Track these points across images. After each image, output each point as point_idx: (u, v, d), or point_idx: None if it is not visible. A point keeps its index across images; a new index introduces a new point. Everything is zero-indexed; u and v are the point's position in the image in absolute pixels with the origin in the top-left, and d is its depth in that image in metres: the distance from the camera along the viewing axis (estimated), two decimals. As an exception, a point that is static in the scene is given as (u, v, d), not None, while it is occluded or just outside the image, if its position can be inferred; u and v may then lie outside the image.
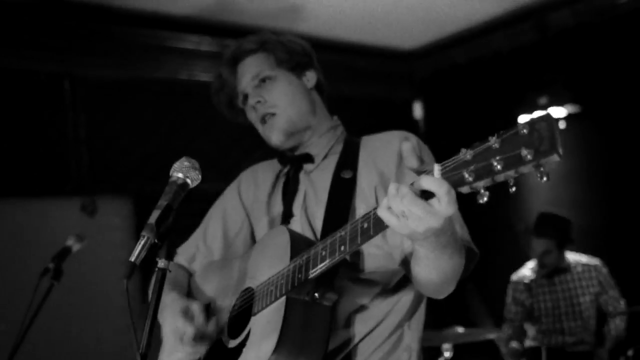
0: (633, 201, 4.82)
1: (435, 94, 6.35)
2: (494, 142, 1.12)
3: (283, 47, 1.99)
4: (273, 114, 1.92)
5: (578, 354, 4.31)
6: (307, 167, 1.94)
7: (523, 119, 5.01)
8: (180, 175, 1.46)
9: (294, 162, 1.97)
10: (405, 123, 6.25)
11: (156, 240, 1.37)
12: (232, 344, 1.71)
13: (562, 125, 5.04)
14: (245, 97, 1.99)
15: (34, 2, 4.32)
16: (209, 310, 1.86)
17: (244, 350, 1.63)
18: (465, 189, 1.17)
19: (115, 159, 4.76)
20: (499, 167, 1.11)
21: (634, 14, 4.72)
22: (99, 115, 4.72)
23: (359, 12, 5.00)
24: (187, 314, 1.71)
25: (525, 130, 1.10)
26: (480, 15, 5.35)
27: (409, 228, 1.24)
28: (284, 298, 1.55)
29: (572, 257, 4.43)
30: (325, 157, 1.93)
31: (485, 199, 1.15)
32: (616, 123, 4.97)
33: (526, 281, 4.48)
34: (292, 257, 1.60)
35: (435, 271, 1.48)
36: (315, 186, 1.86)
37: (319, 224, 1.77)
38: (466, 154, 1.17)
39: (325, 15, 4.94)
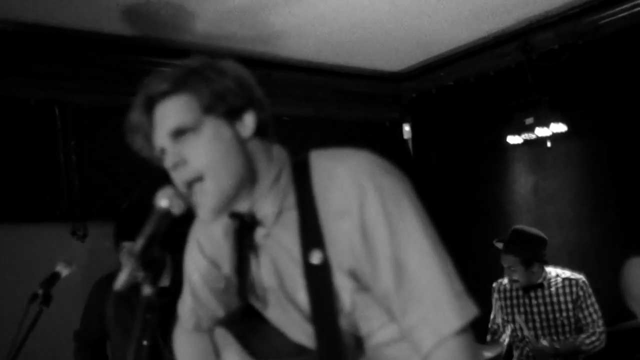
0: (620, 218, 4.86)
1: (423, 114, 6.41)
2: None
3: (210, 86, 1.49)
4: (199, 179, 1.49)
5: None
6: (260, 230, 1.59)
7: (511, 139, 5.10)
8: (163, 204, 1.47)
9: (242, 226, 1.62)
10: (395, 144, 6.31)
11: (141, 269, 1.38)
12: None
13: (549, 144, 5.10)
14: (162, 151, 1.54)
15: (21, 30, 4.36)
16: None
17: None
18: None
19: (105, 184, 4.78)
20: None
21: (615, 35, 4.80)
22: (89, 141, 4.75)
23: (346, 36, 5.06)
24: None
25: None
26: (466, 37, 5.43)
27: None
28: None
29: (554, 271, 4.39)
30: (279, 214, 1.56)
31: None
32: (602, 141, 5.03)
33: (501, 288, 4.52)
34: None
35: None
36: (278, 253, 1.58)
37: (302, 303, 1.57)
38: None
39: (312, 39, 5.00)
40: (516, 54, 5.33)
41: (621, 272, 3.48)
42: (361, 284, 1.50)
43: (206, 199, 1.50)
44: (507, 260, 4.35)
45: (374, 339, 1.58)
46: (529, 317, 4.34)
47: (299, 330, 1.66)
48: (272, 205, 1.56)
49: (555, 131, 5.02)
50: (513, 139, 5.22)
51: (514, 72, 5.41)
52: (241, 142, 1.52)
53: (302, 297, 1.55)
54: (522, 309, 4.38)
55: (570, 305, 4.28)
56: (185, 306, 1.89)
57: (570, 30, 5.01)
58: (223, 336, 1.84)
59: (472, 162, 5.87)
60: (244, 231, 1.61)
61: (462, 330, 1.41)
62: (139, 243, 1.40)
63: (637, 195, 4.73)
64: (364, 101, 6.25)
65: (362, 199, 1.45)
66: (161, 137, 1.52)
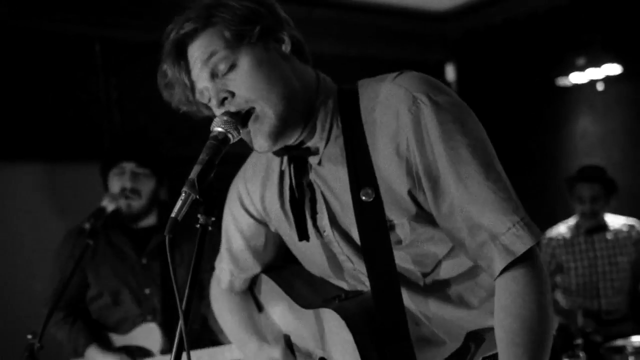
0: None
1: (468, 55, 6.24)
2: None
3: (236, 12, 1.41)
4: (252, 111, 1.42)
5: (613, 321, 4.25)
6: (311, 160, 1.52)
7: (560, 80, 4.92)
8: (221, 129, 1.39)
9: (292, 156, 1.55)
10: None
11: (197, 196, 1.33)
12: None
13: (600, 87, 4.93)
14: (206, 91, 1.46)
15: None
16: (290, 344, 1.77)
17: None
18: None
19: (147, 121, 4.75)
20: None
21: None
22: (130, 78, 4.71)
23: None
24: None
25: None
26: (517, -27, 5.23)
27: None
28: None
29: (610, 217, 4.35)
30: (326, 144, 1.49)
31: None
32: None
33: (560, 237, 4.42)
34: (358, 342, 1.42)
35: None
36: (331, 187, 1.51)
37: (357, 238, 1.49)
38: None
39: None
40: (569, -9, 5.11)
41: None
42: (419, 210, 1.43)
43: (262, 126, 1.43)
44: (590, 190, 4.23)
45: (435, 274, 1.51)
46: (592, 261, 4.30)
47: (341, 273, 1.61)
48: (320, 135, 1.49)
49: (608, 73, 4.84)
50: (563, 81, 5.05)
51: (566, 11, 5.21)
52: (283, 61, 1.46)
53: (356, 232, 1.47)
54: (584, 255, 4.32)
55: (630, 249, 4.28)
56: (223, 265, 1.86)
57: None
58: (266, 283, 1.81)
59: (520, 104, 5.72)
60: (296, 165, 1.54)
61: (532, 251, 1.34)
62: (196, 169, 1.35)
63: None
64: (407, 40, 6.09)
65: (417, 114, 1.37)
66: (202, 78, 1.44)
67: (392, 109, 1.40)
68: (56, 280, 2.94)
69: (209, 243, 1.39)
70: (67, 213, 4.32)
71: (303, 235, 1.56)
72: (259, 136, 1.44)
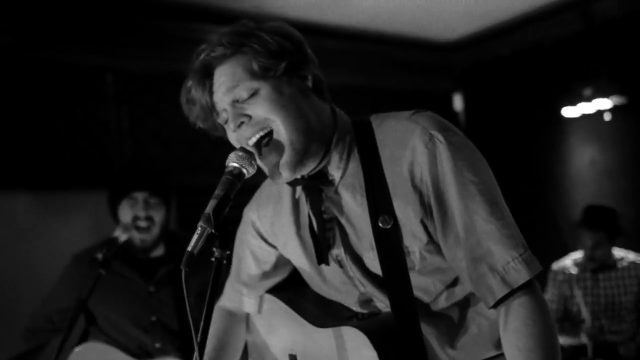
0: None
1: (476, 85, 6.28)
2: None
3: (266, 45, 1.47)
4: (268, 133, 1.48)
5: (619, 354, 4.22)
6: (327, 189, 1.58)
7: (567, 111, 4.95)
8: (236, 164, 1.44)
9: (308, 185, 1.60)
10: (446, 114, 6.17)
11: (213, 231, 1.36)
12: None
13: (607, 117, 4.95)
14: (224, 112, 1.52)
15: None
16: None
17: None
18: None
19: (157, 151, 4.80)
20: None
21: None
22: (141, 108, 4.77)
23: (400, 4, 4.96)
24: None
25: None
26: (523, 5, 5.28)
27: None
28: None
29: (619, 253, 4.31)
30: (343, 174, 1.56)
31: None
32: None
33: (566, 272, 4.39)
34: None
35: None
36: (347, 214, 1.57)
37: (370, 258, 1.57)
38: None
39: (366, 6, 4.91)
40: (575, 23, 5.16)
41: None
42: (429, 239, 1.51)
43: (280, 157, 1.48)
44: (593, 238, 4.21)
45: (434, 304, 1.59)
46: (595, 299, 4.26)
47: (351, 296, 1.66)
48: (337, 165, 1.55)
49: (614, 103, 4.86)
50: (569, 111, 5.07)
51: (572, 42, 5.25)
52: (303, 97, 1.51)
53: (370, 257, 1.55)
54: (588, 291, 4.28)
55: (635, 289, 4.23)
56: (232, 284, 1.91)
57: (634, -2, 4.84)
58: (272, 301, 1.85)
59: (527, 134, 5.74)
60: (312, 193, 1.60)
61: (531, 283, 1.43)
62: (211, 204, 1.39)
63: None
64: (415, 70, 6.15)
65: (433, 150, 1.45)
66: (224, 102, 1.50)
67: (409, 144, 1.48)
68: (59, 303, 2.95)
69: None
70: (78, 241, 4.34)
71: (323, 260, 1.60)
72: (278, 166, 1.49)
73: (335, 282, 1.67)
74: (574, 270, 4.36)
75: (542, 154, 5.66)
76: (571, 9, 5.16)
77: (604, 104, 4.87)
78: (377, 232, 1.50)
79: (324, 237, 1.59)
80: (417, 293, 1.56)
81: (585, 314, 4.19)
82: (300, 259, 1.71)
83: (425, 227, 1.50)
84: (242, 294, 1.88)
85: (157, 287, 2.97)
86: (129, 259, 2.99)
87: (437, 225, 1.47)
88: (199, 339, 1.33)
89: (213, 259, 1.39)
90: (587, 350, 3.88)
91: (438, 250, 1.52)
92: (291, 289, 1.85)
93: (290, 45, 1.50)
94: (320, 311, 1.72)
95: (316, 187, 1.58)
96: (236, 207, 1.62)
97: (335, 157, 1.55)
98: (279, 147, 1.48)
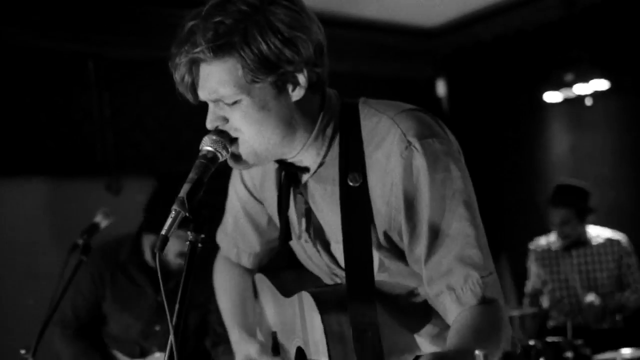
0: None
1: (458, 71, 6.30)
2: None
3: (258, 55, 1.35)
4: (235, 139, 1.45)
5: (602, 332, 4.27)
6: (304, 177, 1.56)
7: (549, 96, 4.99)
8: (210, 148, 1.43)
9: (285, 171, 1.59)
10: (428, 101, 6.22)
11: (187, 214, 1.37)
12: None
13: (589, 102, 4.98)
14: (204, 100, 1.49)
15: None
16: (276, 342, 1.80)
17: None
18: None
19: (139, 138, 4.79)
20: None
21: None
22: (123, 95, 4.75)
23: (382, -11, 4.96)
24: None
25: None
26: (506, -9, 5.29)
27: None
28: None
29: (594, 230, 4.36)
30: (320, 164, 1.52)
31: None
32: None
33: (539, 250, 4.44)
34: (330, 354, 1.47)
35: None
36: (320, 200, 1.55)
37: (336, 248, 1.57)
38: None
39: (348, -8, 4.91)
40: (558, 9, 5.17)
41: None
42: (390, 247, 1.50)
43: (239, 155, 1.47)
44: (560, 215, 4.25)
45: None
46: (570, 275, 4.31)
47: (325, 272, 1.68)
48: (316, 154, 1.52)
49: (595, 88, 4.89)
50: (551, 97, 5.10)
51: (554, 28, 5.27)
52: (287, 105, 1.43)
53: (336, 248, 1.56)
54: (561, 268, 4.34)
55: (611, 265, 4.28)
56: (227, 235, 1.90)
57: (616, -17, 4.86)
58: (261, 280, 1.86)
59: (509, 120, 5.78)
60: (288, 177, 1.59)
61: (488, 301, 1.40)
62: (185, 188, 1.39)
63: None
64: (398, 57, 6.15)
65: (409, 159, 1.41)
66: (204, 95, 1.46)
67: (386, 149, 1.44)
68: (82, 300, 3.13)
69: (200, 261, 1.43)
70: (60, 229, 4.34)
71: (286, 237, 1.63)
72: (237, 156, 1.48)
73: (308, 256, 1.69)
74: (546, 248, 4.41)
75: (524, 139, 5.70)
76: (553, -6, 5.18)
77: (585, 89, 4.90)
78: (344, 188, 1.47)
79: (285, 217, 1.61)
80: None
81: (578, 287, 4.25)
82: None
83: (388, 238, 1.49)
84: (239, 247, 1.88)
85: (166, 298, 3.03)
86: (144, 267, 3.10)
87: (405, 237, 1.46)
88: (174, 322, 1.34)
89: (187, 242, 1.39)
90: (567, 332, 3.92)
91: (401, 257, 1.51)
92: (288, 269, 1.85)
93: (287, 52, 1.37)
94: (296, 284, 1.72)
95: (292, 172, 1.57)
96: (212, 192, 1.63)
97: (312, 151, 1.51)
98: (241, 151, 1.47)
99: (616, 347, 3.89)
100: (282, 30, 1.36)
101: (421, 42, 6.22)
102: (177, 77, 1.45)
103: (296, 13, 1.40)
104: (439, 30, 6.10)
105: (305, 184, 1.56)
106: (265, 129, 1.43)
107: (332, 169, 1.51)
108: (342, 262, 1.53)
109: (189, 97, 1.50)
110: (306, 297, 1.55)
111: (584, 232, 4.33)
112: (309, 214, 1.59)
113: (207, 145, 1.45)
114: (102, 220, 2.78)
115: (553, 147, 5.55)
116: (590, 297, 4.15)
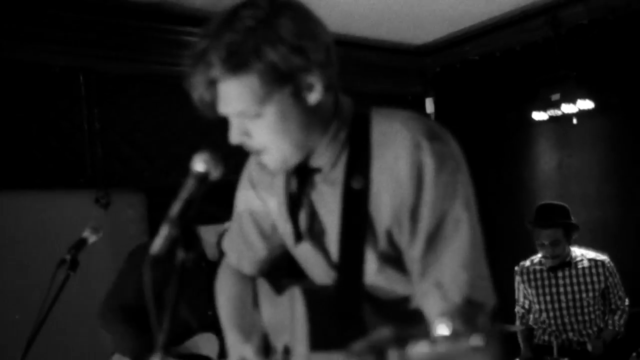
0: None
1: (447, 89, 6.35)
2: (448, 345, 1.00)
3: (275, 67, 1.39)
4: (261, 151, 1.51)
5: (586, 352, 4.30)
6: (316, 177, 1.60)
7: (536, 115, 5.03)
8: (201, 168, 1.44)
9: (298, 173, 1.62)
10: (413, 119, 6.24)
11: (177, 233, 1.38)
12: None
13: (575, 121, 5.04)
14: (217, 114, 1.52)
15: (48, -4, 4.36)
16: (267, 344, 1.82)
17: None
18: None
19: (129, 152, 4.79)
20: None
21: (648, 10, 4.72)
22: (113, 109, 4.75)
23: (372, 8, 5.01)
24: None
25: (476, 343, 0.97)
26: (493, 11, 5.35)
27: None
28: None
29: (578, 251, 4.38)
30: (333, 166, 1.56)
31: None
32: (629, 120, 4.96)
33: (525, 272, 4.47)
34: (310, 343, 1.50)
35: None
36: (326, 202, 1.59)
37: (333, 248, 1.60)
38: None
39: (337, 11, 4.95)
40: (544, 29, 5.25)
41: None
42: (390, 248, 1.52)
43: (270, 163, 1.52)
44: (548, 236, 4.25)
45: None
46: (555, 297, 4.32)
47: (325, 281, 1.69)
48: (329, 157, 1.55)
49: (581, 108, 4.95)
50: (538, 115, 5.15)
51: (541, 48, 5.34)
52: (305, 110, 1.46)
53: (333, 247, 1.58)
54: (547, 290, 4.35)
55: (596, 286, 4.30)
56: (232, 240, 1.91)
57: (601, 5, 4.92)
58: (261, 285, 1.88)
59: (497, 138, 5.83)
60: (299, 177, 1.62)
61: (474, 303, 1.40)
62: (176, 207, 1.39)
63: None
64: (387, 74, 6.20)
65: (418, 159, 1.44)
66: (225, 111, 1.49)
67: (395, 150, 1.47)
68: (120, 299, 3.21)
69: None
70: (48, 242, 4.32)
71: (298, 238, 1.64)
72: (265, 160, 1.53)
73: (313, 261, 1.69)
74: (532, 270, 4.43)
75: (512, 157, 5.74)
76: (540, 15, 5.24)
77: (571, 108, 4.96)
78: (346, 193, 1.51)
79: (297, 217, 1.62)
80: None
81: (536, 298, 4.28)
82: (284, 229, 1.73)
83: (390, 236, 1.51)
84: (242, 253, 1.89)
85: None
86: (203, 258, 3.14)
87: (404, 234, 1.48)
88: (162, 342, 1.34)
89: (176, 262, 1.39)
90: (553, 350, 3.95)
91: (397, 264, 1.53)
92: (288, 277, 1.85)
93: (302, 61, 1.40)
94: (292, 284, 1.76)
95: (304, 172, 1.60)
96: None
97: (326, 153, 1.54)
98: (270, 160, 1.52)
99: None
100: (291, 41, 1.39)
101: (411, 60, 6.27)
102: (195, 96, 1.49)
103: (302, 21, 1.44)
104: (428, 49, 6.16)
105: (314, 185, 1.59)
106: (289, 137, 1.46)
107: (340, 172, 1.54)
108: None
109: (208, 114, 1.52)
110: (296, 291, 1.58)
111: (569, 253, 4.35)
112: (314, 215, 1.61)
113: (198, 164, 1.45)
114: (90, 235, 2.79)
115: (540, 164, 5.59)
116: (590, 347, 4.20)
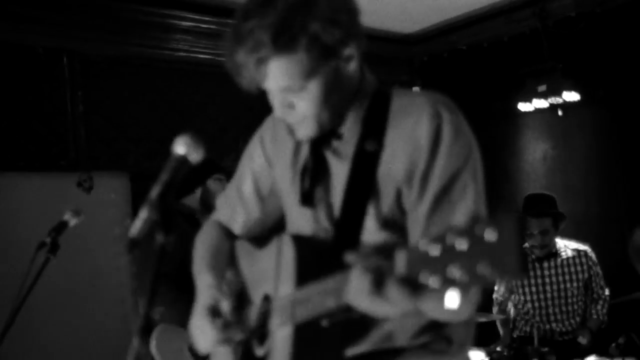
0: (627, 190, 4.84)
1: (434, 78, 6.35)
2: (461, 244, 1.03)
3: (319, 44, 1.46)
4: (300, 122, 1.56)
5: (568, 342, 4.33)
6: (333, 142, 1.65)
7: (522, 106, 5.05)
8: (181, 150, 1.44)
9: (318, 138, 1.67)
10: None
11: (156, 216, 1.36)
12: (259, 352, 1.68)
13: (560, 112, 5.05)
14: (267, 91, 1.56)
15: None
16: (243, 297, 1.83)
17: None
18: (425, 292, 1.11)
19: (112, 135, 4.75)
20: (462, 278, 1.02)
21: (635, 3, 4.72)
22: (97, 92, 4.71)
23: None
24: (213, 313, 1.69)
25: (492, 237, 0.99)
26: (482, 1, 5.36)
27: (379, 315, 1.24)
28: (292, 326, 1.53)
29: (561, 242, 4.42)
30: (351, 132, 1.63)
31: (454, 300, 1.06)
32: (614, 112, 4.99)
33: None
34: (297, 282, 1.53)
35: (436, 317, 1.52)
36: (338, 165, 1.64)
37: (337, 205, 1.63)
38: (433, 249, 1.07)
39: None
40: (532, 20, 5.25)
41: (630, 242, 3.51)
42: (396, 209, 1.56)
43: (305, 131, 1.57)
44: (538, 225, 4.27)
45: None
46: (540, 288, 4.36)
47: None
48: (352, 121, 1.61)
49: (567, 100, 4.96)
50: (524, 106, 5.16)
51: (529, 39, 5.34)
52: (344, 80, 1.55)
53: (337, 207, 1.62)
54: (532, 280, 4.38)
55: (580, 276, 4.36)
56: (227, 197, 1.95)
57: (589, -3, 4.94)
58: (240, 245, 1.91)
59: (482, 128, 5.74)
60: (318, 141, 1.65)
61: None
62: (155, 190, 1.38)
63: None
64: (375, 63, 6.10)
65: (438, 125, 1.51)
66: (272, 87, 1.53)
67: (416, 116, 1.54)
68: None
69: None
70: (30, 225, 4.29)
71: (306, 201, 1.67)
72: (300, 134, 1.59)
73: (308, 225, 1.71)
74: None
75: (497, 147, 5.75)
76: (528, 6, 5.24)
77: (557, 99, 4.97)
78: (358, 154, 1.58)
79: (312, 181, 1.66)
80: None
81: (521, 296, 4.34)
82: (286, 195, 1.77)
83: (399, 195, 1.54)
84: (235, 211, 1.92)
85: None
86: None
87: (414, 192, 1.52)
88: (140, 326, 1.33)
89: (155, 245, 1.38)
90: (534, 341, 3.97)
91: (394, 226, 1.55)
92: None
93: (341, 34, 1.48)
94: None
95: (322, 138, 1.64)
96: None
97: (350, 119, 1.61)
98: (308, 127, 1.56)
99: (582, 355, 3.96)
100: (330, 15, 1.46)
101: (398, 48, 6.26)
102: (244, 75, 1.51)
103: None
104: (416, 38, 6.15)
105: (330, 148, 1.64)
106: (330, 107, 1.54)
107: (355, 137, 1.61)
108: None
109: (253, 90, 1.55)
110: (285, 237, 1.62)
111: (555, 244, 4.39)
112: (325, 176, 1.65)
113: (179, 148, 1.45)
114: (71, 218, 2.76)
115: (525, 155, 5.61)
116: (582, 340, 4.24)
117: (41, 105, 4.54)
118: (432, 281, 1.06)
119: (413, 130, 1.53)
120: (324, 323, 1.45)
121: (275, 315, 1.61)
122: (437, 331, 1.62)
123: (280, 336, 1.57)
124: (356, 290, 1.21)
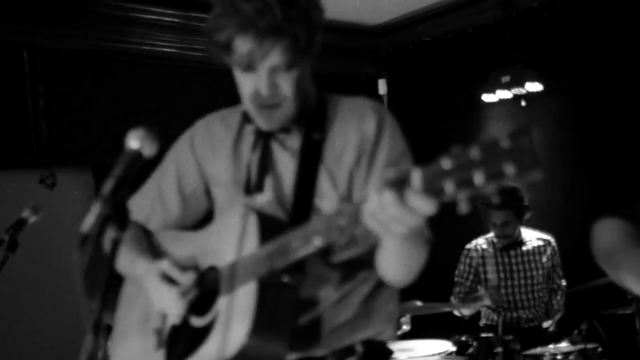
0: (590, 180, 4.90)
1: (399, 70, 6.37)
2: (474, 153, 1.10)
3: (307, 37, 1.60)
4: (277, 105, 1.64)
5: (533, 329, 4.40)
6: (281, 136, 1.75)
7: (486, 97, 5.08)
8: (134, 145, 1.42)
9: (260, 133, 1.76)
10: (370, 98, 6.25)
11: (110, 211, 1.35)
12: (198, 322, 1.68)
13: (523, 103, 5.11)
14: (250, 67, 1.61)
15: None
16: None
17: (212, 331, 1.60)
18: (445, 199, 1.16)
19: (74, 131, 4.68)
20: (480, 180, 1.08)
21: (597, -6, 4.79)
22: (59, 87, 4.63)
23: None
24: (167, 278, 1.70)
25: (506, 144, 1.08)
26: (446, -8, 5.38)
27: (391, 232, 1.27)
28: (255, 283, 1.54)
29: (526, 232, 4.51)
30: (298, 126, 1.74)
31: (465, 210, 1.12)
32: (577, 103, 5.04)
33: (479, 249, 4.55)
34: (261, 241, 1.56)
35: (403, 262, 1.60)
36: (284, 157, 1.74)
37: (288, 195, 1.71)
38: (446, 163, 1.15)
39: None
40: (495, 11, 5.28)
41: (592, 234, 3.56)
42: (347, 191, 1.70)
43: (279, 118, 1.67)
44: (502, 216, 4.36)
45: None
46: (508, 275, 4.45)
47: None
48: (297, 122, 1.73)
49: (530, 90, 5.02)
50: (488, 97, 5.21)
51: (493, 30, 5.38)
52: (306, 75, 1.71)
53: (288, 194, 1.71)
54: (500, 267, 4.46)
55: (545, 265, 4.47)
56: (144, 197, 1.94)
57: (551, -12, 4.98)
58: (164, 235, 1.92)
59: (447, 119, 5.86)
60: (266, 134, 1.75)
61: None
62: (109, 184, 1.36)
63: (608, 158, 4.77)
64: (340, 55, 6.17)
65: (381, 116, 1.72)
66: (268, 64, 1.59)
67: (360, 111, 1.74)
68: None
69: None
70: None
71: (257, 189, 1.73)
72: (271, 122, 1.69)
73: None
74: (486, 247, 4.52)
75: (461, 138, 5.70)
76: (491, -3, 5.28)
77: (520, 90, 5.02)
78: (305, 143, 1.72)
79: (261, 171, 1.73)
80: None
81: (491, 274, 4.38)
82: (223, 188, 1.81)
83: (351, 180, 1.69)
84: (153, 209, 1.92)
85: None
86: None
87: (362, 170, 1.68)
88: (95, 322, 1.31)
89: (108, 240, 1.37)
90: (497, 328, 4.01)
91: None
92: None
93: (317, 35, 1.65)
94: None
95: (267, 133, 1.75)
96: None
97: (297, 116, 1.71)
98: (279, 116, 1.67)
99: (545, 343, 4.02)
100: (314, 21, 1.63)
101: (363, 40, 6.26)
102: (242, 50, 1.59)
103: None
104: (381, 30, 6.16)
105: (278, 140, 1.75)
106: (304, 90, 1.69)
107: (301, 132, 1.74)
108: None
109: (245, 68, 1.62)
110: (242, 207, 1.66)
111: (520, 233, 4.46)
112: (272, 168, 1.74)
113: (132, 142, 1.43)
114: (30, 216, 2.72)
115: (490, 146, 5.65)
116: (546, 324, 4.35)
117: (1, 101, 4.46)
118: (449, 186, 1.13)
119: (360, 120, 1.72)
120: (285, 279, 1.54)
121: (228, 280, 1.62)
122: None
123: (234, 302, 1.58)
124: (378, 204, 1.23)
